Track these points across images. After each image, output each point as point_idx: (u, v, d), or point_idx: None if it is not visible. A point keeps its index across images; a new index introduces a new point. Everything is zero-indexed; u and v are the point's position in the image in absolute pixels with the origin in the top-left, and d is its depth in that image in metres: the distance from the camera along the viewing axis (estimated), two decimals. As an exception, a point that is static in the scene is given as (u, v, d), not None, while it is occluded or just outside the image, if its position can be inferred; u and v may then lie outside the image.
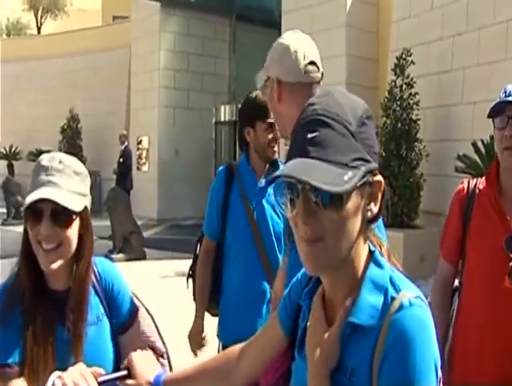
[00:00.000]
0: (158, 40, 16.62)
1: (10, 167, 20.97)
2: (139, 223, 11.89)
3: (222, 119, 15.93)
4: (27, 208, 1.66)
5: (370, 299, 1.11)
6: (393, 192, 8.04)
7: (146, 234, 12.24)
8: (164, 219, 15.75)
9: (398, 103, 8.47)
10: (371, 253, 1.17)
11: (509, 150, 2.26)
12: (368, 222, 1.15)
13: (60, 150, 18.40)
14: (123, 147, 15.11)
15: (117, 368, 1.58)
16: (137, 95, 17.46)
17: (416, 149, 8.37)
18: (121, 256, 10.08)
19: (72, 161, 1.75)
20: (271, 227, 2.96)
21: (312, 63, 2.06)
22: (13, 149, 21.53)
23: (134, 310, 1.90)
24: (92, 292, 1.80)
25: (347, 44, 10.76)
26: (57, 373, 1.42)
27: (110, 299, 1.84)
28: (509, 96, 2.25)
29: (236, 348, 1.47)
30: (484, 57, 7.99)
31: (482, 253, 2.31)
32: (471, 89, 8.15)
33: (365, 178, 1.09)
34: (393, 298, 1.10)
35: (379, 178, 1.14)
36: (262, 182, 2.99)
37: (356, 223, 1.10)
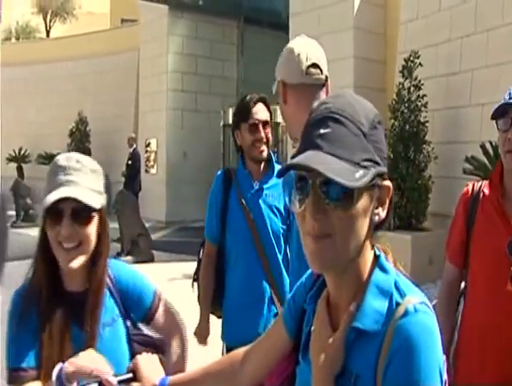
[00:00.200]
0: (166, 43, 16.65)
1: (20, 170, 21.13)
2: (147, 225, 11.91)
3: (230, 122, 15.89)
4: (47, 209, 1.67)
5: (375, 304, 1.10)
6: (401, 194, 8.03)
7: (154, 236, 12.25)
8: (172, 221, 15.77)
9: (406, 105, 8.45)
10: (376, 258, 1.16)
11: None
12: (375, 227, 1.15)
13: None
14: (131, 150, 15.16)
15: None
16: (145, 98, 17.50)
17: (424, 151, 8.34)
18: (129, 258, 10.10)
19: (87, 159, 1.78)
20: (269, 227, 3.00)
21: (315, 65, 2.09)
22: (22, 152, 21.65)
23: (154, 297, 1.92)
24: (107, 293, 1.81)
25: (355, 46, 10.75)
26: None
27: (127, 299, 1.85)
28: None
29: (240, 351, 1.47)
30: (492, 59, 7.96)
31: (485, 257, 2.31)
32: (479, 91, 8.12)
33: (374, 180, 1.09)
34: (398, 304, 1.09)
35: (388, 183, 1.14)
36: (258, 184, 3.05)
37: (364, 225, 1.10)
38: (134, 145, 15.33)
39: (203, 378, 1.48)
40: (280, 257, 3.01)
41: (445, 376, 1.25)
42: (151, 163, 17.03)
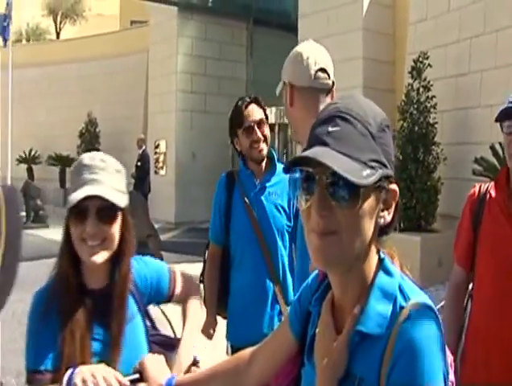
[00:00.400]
0: (175, 44, 16.69)
1: (30, 171, 21.22)
2: (157, 226, 11.93)
3: (239, 123, 15.90)
4: (72, 207, 1.69)
5: (379, 307, 1.10)
6: (410, 196, 8.01)
7: (163, 237, 12.28)
8: (181, 222, 15.79)
9: (415, 106, 8.43)
10: (381, 261, 1.16)
11: None
12: (380, 231, 1.15)
13: (78, 154, 18.55)
14: (141, 151, 15.20)
15: None
16: (154, 99, 17.54)
17: (433, 152, 8.32)
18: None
19: (111, 159, 1.79)
20: (273, 225, 3.02)
21: (323, 70, 2.12)
22: (32, 154, 21.75)
23: (170, 277, 1.95)
24: None
25: (364, 47, 10.73)
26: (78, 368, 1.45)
27: (146, 293, 1.88)
28: None
29: (246, 352, 1.47)
30: (502, 59, 7.93)
31: (491, 258, 2.32)
32: (489, 92, 8.09)
33: (381, 182, 1.09)
34: (401, 307, 1.09)
35: (395, 187, 1.14)
36: (260, 183, 3.08)
37: (369, 226, 1.10)
38: (144, 147, 15.37)
39: (209, 379, 1.49)
40: (286, 255, 3.03)
41: (452, 378, 1.25)
42: (160, 164, 17.07)
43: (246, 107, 3.06)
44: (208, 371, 1.51)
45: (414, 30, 10.05)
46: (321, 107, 1.21)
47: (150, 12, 17.99)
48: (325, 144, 1.08)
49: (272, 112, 13.11)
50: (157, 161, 17.01)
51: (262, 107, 3.11)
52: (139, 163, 14.94)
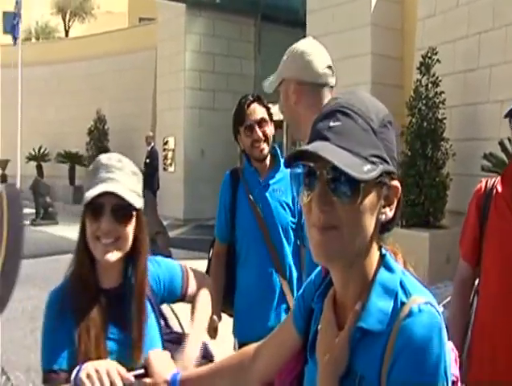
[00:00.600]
0: (183, 41, 16.70)
1: (39, 169, 21.33)
2: (165, 223, 11.96)
3: (247, 119, 15.90)
4: (88, 204, 1.70)
5: (380, 304, 1.09)
6: (419, 192, 7.98)
7: (172, 234, 12.30)
8: (190, 219, 15.81)
9: (424, 102, 8.39)
10: (382, 257, 1.16)
11: None
12: (382, 228, 1.15)
13: (87, 151, 18.64)
14: (149, 148, 15.24)
15: None
16: (163, 96, 17.57)
17: (442, 148, 8.28)
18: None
19: (128, 161, 1.81)
20: (278, 222, 3.02)
21: (329, 67, 2.12)
22: (42, 151, 21.86)
23: (183, 276, 1.96)
24: None
25: (372, 43, 10.69)
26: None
27: (158, 294, 1.89)
28: None
29: (251, 348, 1.47)
30: (511, 54, 7.88)
31: (498, 254, 2.31)
32: (498, 87, 8.04)
33: (382, 177, 1.08)
34: (403, 303, 1.08)
35: (396, 183, 1.13)
36: (264, 180, 3.08)
37: (370, 221, 1.09)
38: (152, 144, 15.41)
39: (214, 374, 1.50)
40: (290, 251, 3.03)
41: (456, 373, 1.25)
42: (169, 161, 17.10)
43: (249, 106, 3.08)
44: (213, 366, 1.52)
45: (423, 26, 10.00)
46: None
47: (158, 9, 18.02)
48: (326, 139, 1.07)
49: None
50: (165, 158, 17.05)
51: (264, 106, 3.11)
52: (148, 160, 14.98)
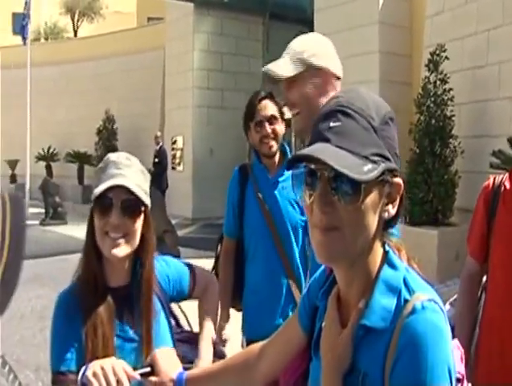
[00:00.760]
0: (192, 41, 16.73)
1: (49, 168, 21.42)
2: (174, 222, 11.96)
3: (256, 118, 15.91)
4: (97, 199, 1.72)
5: (383, 301, 1.09)
6: (427, 189, 7.96)
7: (180, 233, 12.32)
8: (198, 218, 15.84)
9: (432, 99, 8.36)
10: (386, 254, 1.15)
11: None
12: (385, 225, 1.15)
13: (96, 151, 18.70)
14: (158, 147, 15.28)
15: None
16: (171, 95, 17.61)
17: (451, 145, 8.25)
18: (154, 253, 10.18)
19: (137, 160, 1.83)
20: (287, 220, 3.00)
21: None
22: (51, 151, 21.95)
23: (190, 274, 1.98)
24: None
25: (380, 41, 10.67)
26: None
27: (167, 293, 1.90)
28: None
29: (257, 346, 1.48)
30: (520, 51, 7.84)
31: (506, 250, 2.30)
32: (506, 84, 8.00)
33: (384, 176, 1.08)
34: (406, 300, 1.08)
35: (399, 180, 1.13)
36: (273, 177, 3.06)
37: (372, 220, 1.09)
38: (161, 143, 15.45)
39: (220, 372, 1.50)
40: (298, 250, 3.02)
41: (461, 371, 1.24)
42: (178, 160, 17.14)
43: (260, 101, 3.05)
44: (219, 365, 1.53)
45: (431, 23, 9.97)
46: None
47: (166, 8, 18.05)
48: (327, 140, 1.07)
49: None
50: (174, 157, 17.08)
51: (276, 103, 3.08)
52: (157, 159, 15.02)
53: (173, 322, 1.94)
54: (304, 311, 1.33)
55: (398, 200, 1.14)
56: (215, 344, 2.00)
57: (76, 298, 1.76)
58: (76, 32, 34.56)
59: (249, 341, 3.05)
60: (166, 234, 11.38)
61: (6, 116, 21.58)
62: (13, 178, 23.61)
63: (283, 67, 2.08)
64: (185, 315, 2.08)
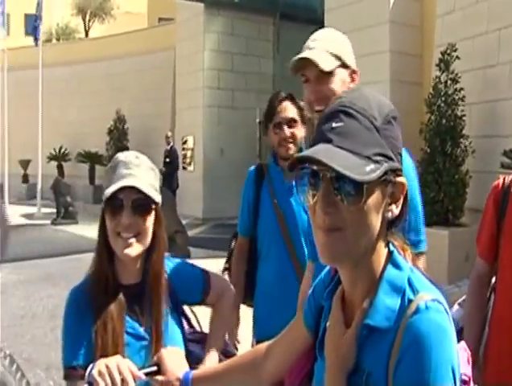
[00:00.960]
0: (202, 41, 16.76)
1: (60, 168, 21.52)
2: (184, 222, 12.00)
3: (266, 118, 15.94)
4: (108, 199, 1.73)
5: (387, 301, 1.09)
6: (438, 189, 7.92)
7: (191, 233, 12.35)
8: (209, 218, 15.86)
9: (443, 99, 8.31)
10: (390, 254, 1.15)
11: None
12: (389, 225, 1.14)
13: (107, 151, 18.78)
14: (169, 147, 15.32)
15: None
16: (182, 95, 17.64)
17: (462, 145, 8.20)
18: (166, 254, 10.20)
19: (145, 158, 1.83)
20: (299, 225, 2.97)
21: None
22: (62, 151, 22.06)
23: (204, 279, 1.97)
24: None
25: (391, 40, 10.64)
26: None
27: (180, 292, 1.90)
28: None
29: (263, 346, 1.48)
30: (531, 50, 7.80)
31: None
32: (518, 83, 7.96)
33: (386, 175, 1.08)
34: (410, 300, 1.08)
35: (402, 180, 1.13)
36: (289, 181, 2.99)
37: (375, 220, 1.09)
38: (171, 143, 15.49)
39: (226, 372, 1.51)
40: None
41: (468, 373, 1.23)
42: (188, 160, 17.17)
43: (280, 102, 3.00)
44: (225, 364, 1.53)
45: (442, 22, 9.93)
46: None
47: (177, 9, 18.09)
48: (329, 140, 1.07)
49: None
50: (185, 157, 17.12)
51: (297, 106, 3.01)
52: (168, 159, 15.06)
53: (185, 322, 1.94)
54: (309, 311, 1.33)
55: (401, 200, 1.13)
56: (226, 346, 2.00)
57: (87, 295, 1.78)
58: (87, 33, 34.72)
59: (259, 343, 3.04)
60: (177, 234, 11.43)
61: (19, 116, 21.75)
62: (25, 178, 23.76)
63: (325, 60, 2.01)
64: (195, 316, 2.08)
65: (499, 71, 8.42)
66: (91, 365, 1.49)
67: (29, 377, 4.61)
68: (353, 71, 2.08)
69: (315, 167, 1.07)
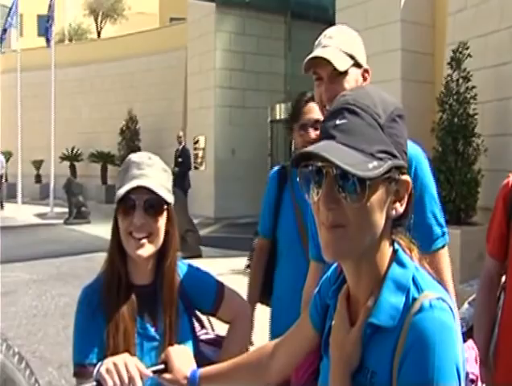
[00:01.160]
0: (213, 40, 16.79)
1: (72, 168, 21.66)
2: (196, 221, 12.04)
3: (278, 117, 15.95)
4: (120, 200, 1.74)
5: (391, 299, 1.09)
6: (450, 188, 7.89)
7: (202, 232, 12.38)
8: (220, 217, 15.89)
9: (455, 97, 8.27)
10: (395, 253, 1.14)
11: None
12: (394, 223, 1.14)
13: (119, 151, 18.86)
14: (180, 147, 15.35)
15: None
16: (193, 95, 17.67)
17: (474, 144, 8.16)
18: (177, 254, 10.22)
19: (158, 159, 1.83)
20: None
21: None
22: (75, 151, 22.18)
23: (218, 289, 1.96)
24: None
25: (402, 39, 10.60)
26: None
27: (192, 296, 1.89)
28: None
29: (269, 345, 1.48)
30: (544, 48, 7.74)
31: None
32: (531, 81, 7.90)
33: (390, 173, 1.08)
34: (414, 299, 1.07)
35: (407, 177, 1.12)
36: None
37: (378, 218, 1.08)
38: (183, 143, 15.52)
39: (233, 370, 1.51)
40: None
41: (475, 372, 1.23)
42: (200, 160, 17.21)
43: (306, 103, 2.92)
44: (232, 363, 1.53)
45: (454, 20, 9.87)
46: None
47: (188, 9, 18.12)
48: (332, 137, 1.07)
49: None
50: (196, 157, 17.16)
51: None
52: (180, 159, 15.09)
53: (197, 324, 1.93)
54: (315, 310, 1.33)
55: (406, 198, 1.13)
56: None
57: (99, 294, 1.78)
58: (99, 33, 34.86)
59: None
60: (188, 233, 11.47)
61: (31, 117, 21.89)
62: (38, 179, 23.91)
63: (340, 59, 1.98)
64: (209, 319, 2.08)
65: (512, 69, 8.37)
66: (99, 363, 1.50)
67: (41, 376, 4.65)
68: (365, 70, 2.07)
69: (319, 164, 1.07)
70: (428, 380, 1.00)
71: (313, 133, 2.88)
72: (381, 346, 1.08)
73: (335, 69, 1.97)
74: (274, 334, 3.11)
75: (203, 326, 1.97)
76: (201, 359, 1.71)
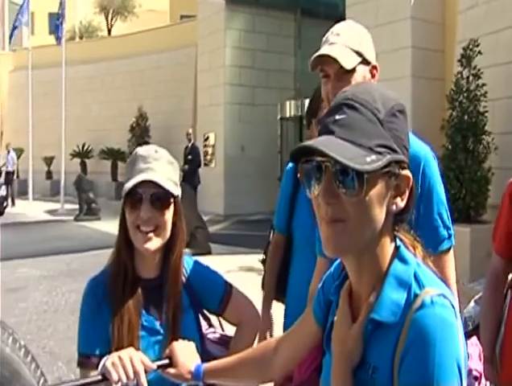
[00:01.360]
0: (223, 37, 16.80)
1: (83, 165, 21.74)
2: (206, 218, 12.05)
3: (287, 115, 15.97)
4: (127, 194, 1.75)
5: (393, 295, 1.09)
6: (460, 186, 7.87)
7: (212, 229, 12.39)
8: (230, 214, 15.91)
9: (465, 95, 8.25)
10: (397, 249, 1.14)
11: None
12: (396, 219, 1.14)
13: (129, 148, 18.92)
14: (190, 144, 15.38)
15: (201, 357, 1.64)
16: (203, 92, 17.70)
17: (484, 142, 8.13)
18: (186, 250, 10.18)
19: (165, 152, 1.84)
20: None
21: None
22: (85, 148, 22.27)
23: (225, 288, 1.96)
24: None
25: (412, 36, 10.57)
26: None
27: (199, 293, 1.90)
28: None
29: (273, 340, 1.49)
30: (555, 45, 7.69)
31: None
32: (542, 79, 7.85)
33: (390, 167, 1.08)
34: (416, 295, 1.07)
35: (407, 172, 1.12)
36: None
37: (378, 212, 1.08)
38: (192, 140, 15.55)
39: (237, 365, 1.52)
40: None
41: (479, 369, 1.24)
42: (209, 157, 17.23)
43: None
44: (236, 358, 1.54)
45: (464, 17, 9.83)
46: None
47: (198, 6, 18.14)
48: (331, 132, 1.08)
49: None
50: (206, 154, 17.18)
51: None
52: (190, 156, 15.11)
53: (205, 322, 1.93)
54: (319, 305, 1.34)
55: (407, 193, 1.13)
56: None
57: (105, 286, 1.79)
58: (109, 31, 34.92)
59: None
60: (197, 230, 11.47)
61: (42, 114, 22.00)
62: (48, 175, 24.03)
63: (346, 57, 1.97)
64: (219, 319, 2.08)
65: (522, 67, 8.33)
66: (105, 357, 1.51)
67: (51, 371, 4.69)
68: (374, 67, 2.05)
69: (318, 159, 1.08)
70: (429, 376, 1.00)
71: None
72: (383, 342, 1.09)
73: (342, 67, 1.96)
74: (288, 328, 3.10)
75: (210, 325, 1.97)
76: (207, 358, 1.71)
